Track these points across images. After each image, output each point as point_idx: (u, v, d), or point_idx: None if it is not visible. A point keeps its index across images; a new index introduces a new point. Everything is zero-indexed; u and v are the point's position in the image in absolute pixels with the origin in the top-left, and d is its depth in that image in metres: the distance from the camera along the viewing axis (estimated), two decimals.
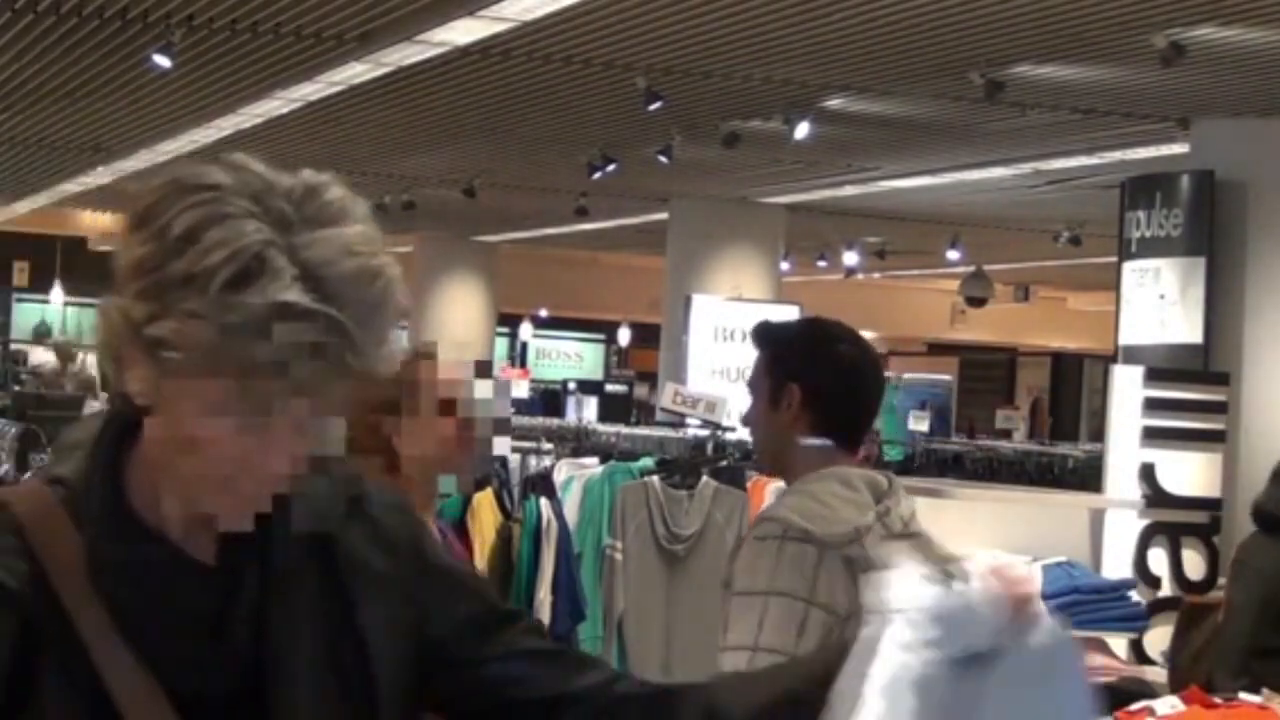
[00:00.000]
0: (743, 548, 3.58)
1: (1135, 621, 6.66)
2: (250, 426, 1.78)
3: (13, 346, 24.77)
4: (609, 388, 26.84)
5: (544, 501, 7.67)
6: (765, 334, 3.81)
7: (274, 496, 1.85)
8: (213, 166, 1.84)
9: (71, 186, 18.78)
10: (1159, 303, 10.06)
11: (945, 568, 1.91)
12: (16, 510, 1.86)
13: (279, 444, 1.80)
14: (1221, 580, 8.48)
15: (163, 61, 10.20)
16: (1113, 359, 10.31)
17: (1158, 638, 7.27)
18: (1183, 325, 9.93)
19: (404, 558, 2.00)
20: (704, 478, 8.15)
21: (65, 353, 20.20)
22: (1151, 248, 10.15)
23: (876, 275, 25.22)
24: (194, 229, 1.76)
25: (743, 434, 7.48)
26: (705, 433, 9.61)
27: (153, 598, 1.84)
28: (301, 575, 1.92)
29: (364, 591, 1.96)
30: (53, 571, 1.82)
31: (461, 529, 7.15)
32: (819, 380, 3.67)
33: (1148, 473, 8.98)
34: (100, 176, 17.54)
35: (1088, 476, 10.83)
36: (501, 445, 7.92)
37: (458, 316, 22.28)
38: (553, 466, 8.55)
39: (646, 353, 26.05)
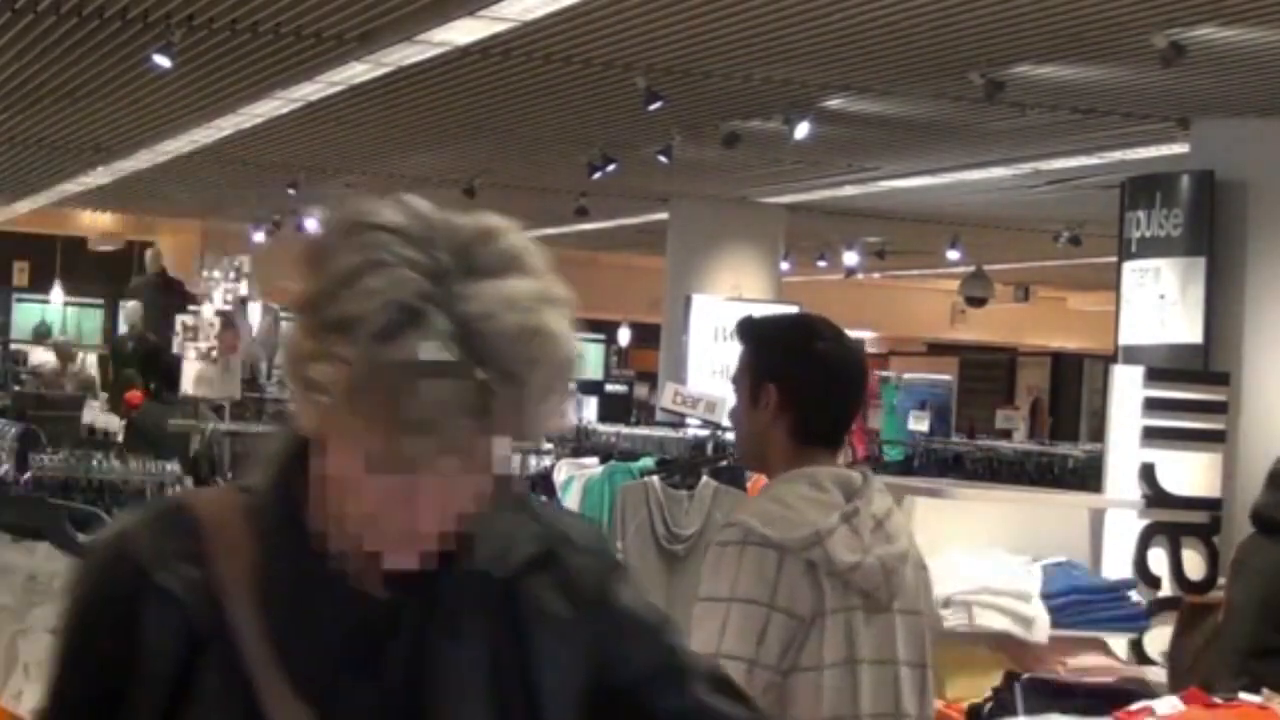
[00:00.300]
0: (709, 554, 3.57)
1: (1135, 621, 6.65)
2: (398, 478, 1.75)
3: (13, 346, 24.75)
4: (609, 388, 26.82)
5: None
6: (747, 329, 3.77)
7: (451, 537, 1.81)
8: (385, 206, 1.79)
9: (71, 186, 18.77)
10: (1159, 303, 10.06)
11: None
12: (199, 514, 1.86)
13: (428, 498, 1.77)
14: (1221, 580, 8.49)
15: (163, 61, 10.19)
16: (1113, 359, 10.31)
17: (1158, 638, 7.27)
18: (1183, 325, 9.93)
19: (589, 605, 1.95)
20: (704, 478, 8.15)
21: (65, 353, 20.20)
22: (1151, 248, 10.15)
23: (876, 275, 25.21)
24: (352, 273, 1.73)
25: None
26: (705, 433, 9.62)
27: (314, 620, 1.83)
28: (475, 619, 1.88)
29: (543, 640, 1.91)
30: (223, 581, 1.82)
31: None
32: (797, 379, 3.63)
33: (1148, 473, 8.98)
34: (100, 176, 17.53)
35: (1088, 476, 10.82)
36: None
37: None
38: (553, 466, 8.56)
39: (646, 353, 26.04)
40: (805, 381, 3.63)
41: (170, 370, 14.78)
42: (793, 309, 15.23)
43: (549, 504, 2.03)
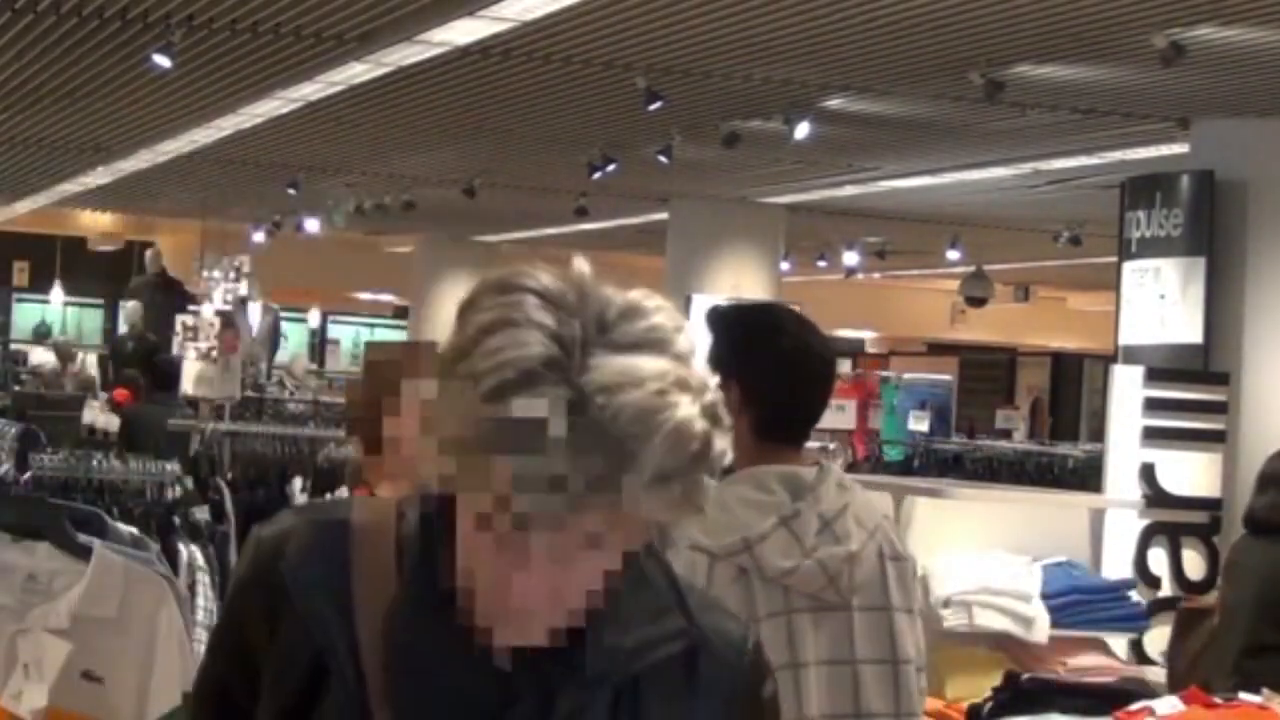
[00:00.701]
0: None
1: (1135, 621, 6.65)
2: (504, 546, 1.71)
3: (13, 346, 24.76)
4: None
5: None
6: (715, 320, 3.67)
7: (577, 616, 1.77)
8: (540, 270, 1.76)
9: (71, 186, 18.77)
10: (1159, 303, 10.06)
11: None
12: (354, 530, 1.85)
13: (536, 575, 1.72)
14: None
15: (163, 61, 10.19)
16: (1113, 359, 10.30)
17: (1158, 638, 7.27)
18: (1183, 325, 9.92)
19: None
20: None
21: (65, 353, 20.20)
22: (1151, 248, 10.15)
23: (876, 275, 25.22)
24: (484, 331, 1.71)
25: None
26: None
27: (432, 672, 1.81)
28: (597, 711, 1.83)
29: None
30: (360, 608, 1.82)
31: None
32: (757, 374, 3.54)
33: (1148, 473, 8.98)
34: (100, 176, 17.53)
35: (1088, 476, 10.82)
36: None
37: None
38: None
39: None
40: (765, 377, 3.55)
41: (158, 368, 14.75)
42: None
43: (699, 592, 1.96)
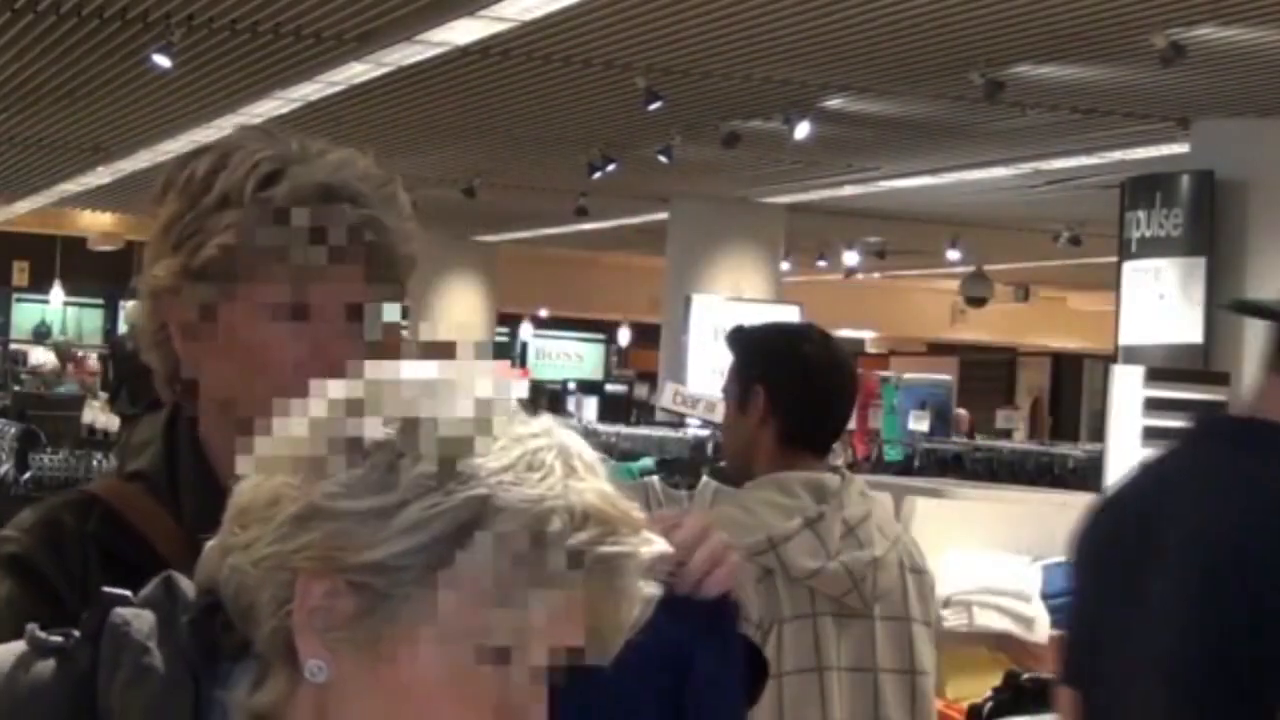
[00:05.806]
0: None
1: None
2: (300, 331, 1.83)
3: (13, 346, 24.76)
4: (609, 388, 26.80)
5: None
6: (736, 338, 3.77)
7: None
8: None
9: (71, 186, 18.78)
10: (1159, 303, 10.07)
11: None
12: (112, 502, 1.86)
13: (326, 341, 1.84)
14: None
15: (163, 61, 10.20)
16: (1113, 359, 10.31)
17: None
18: (1183, 325, 9.93)
19: None
20: (704, 478, 8.14)
21: (65, 353, 20.21)
22: (1151, 248, 10.16)
23: (876, 275, 25.22)
24: (215, 165, 1.85)
25: None
26: (705, 433, 9.62)
27: None
28: None
29: None
30: (163, 553, 1.79)
31: None
32: (783, 380, 3.60)
33: None
34: (100, 176, 17.54)
35: (1088, 476, 10.82)
36: None
37: (458, 316, 22.29)
38: None
39: (646, 353, 26.03)
40: (792, 382, 3.61)
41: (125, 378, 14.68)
42: (794, 309, 15.26)
43: None
